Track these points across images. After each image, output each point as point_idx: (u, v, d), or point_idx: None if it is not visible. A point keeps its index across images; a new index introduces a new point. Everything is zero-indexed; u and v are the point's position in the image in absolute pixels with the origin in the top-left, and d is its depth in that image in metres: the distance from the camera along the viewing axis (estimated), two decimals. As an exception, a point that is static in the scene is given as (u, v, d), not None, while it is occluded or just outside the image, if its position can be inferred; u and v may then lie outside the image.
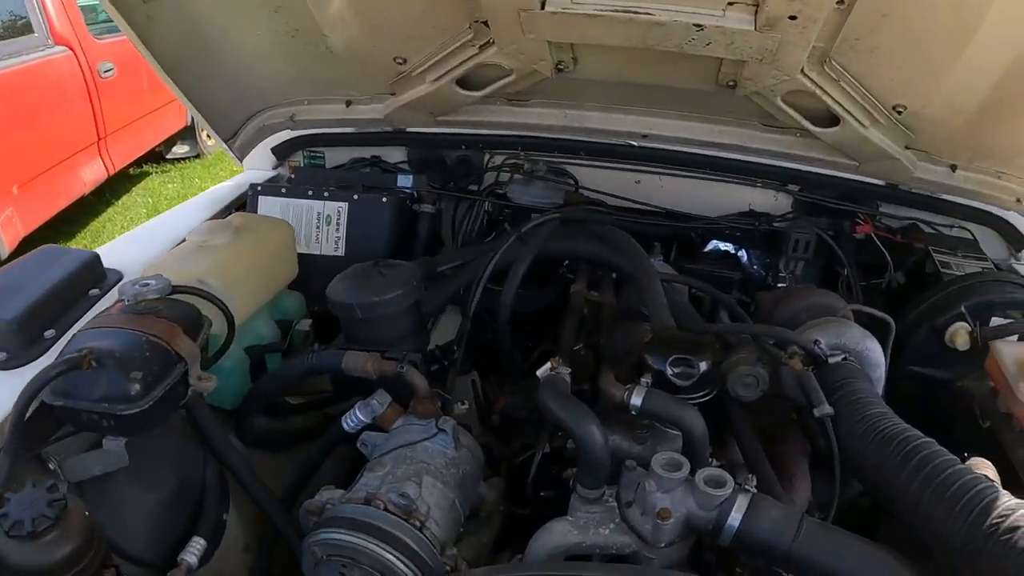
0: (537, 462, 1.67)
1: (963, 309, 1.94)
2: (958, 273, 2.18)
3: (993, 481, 1.30)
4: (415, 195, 2.44)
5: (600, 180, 2.53)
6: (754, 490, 1.37)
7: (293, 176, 2.54)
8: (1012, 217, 2.39)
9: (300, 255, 2.19)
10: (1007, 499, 1.24)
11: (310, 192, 2.37)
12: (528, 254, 2.01)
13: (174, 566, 1.50)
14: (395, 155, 2.66)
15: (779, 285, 2.51)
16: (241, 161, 2.64)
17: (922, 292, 2.17)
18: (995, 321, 1.91)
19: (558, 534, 1.38)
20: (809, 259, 2.45)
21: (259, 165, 2.68)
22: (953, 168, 2.27)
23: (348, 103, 2.48)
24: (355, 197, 2.36)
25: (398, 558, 1.35)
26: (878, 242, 2.42)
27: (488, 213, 2.61)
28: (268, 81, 2.37)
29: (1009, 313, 1.94)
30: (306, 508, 1.53)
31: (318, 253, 2.33)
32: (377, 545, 1.35)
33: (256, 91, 2.42)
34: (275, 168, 2.70)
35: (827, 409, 1.54)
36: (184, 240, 1.99)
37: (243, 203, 2.44)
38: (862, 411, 1.54)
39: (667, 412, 1.44)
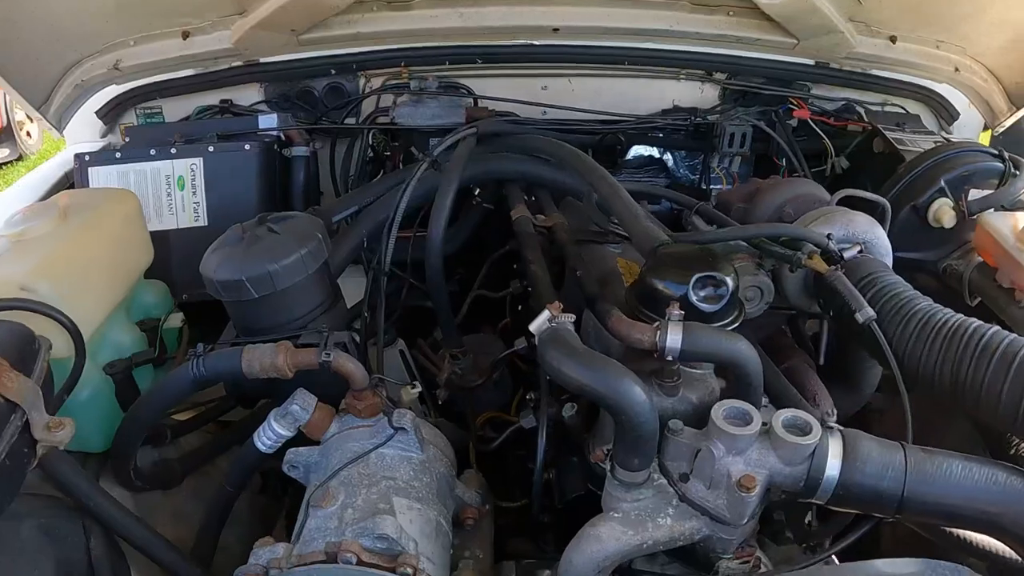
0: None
1: (943, 184, 1.73)
2: (915, 150, 1.98)
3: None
4: (282, 138, 1.98)
5: (502, 90, 2.13)
6: (839, 426, 1.05)
7: (128, 140, 1.99)
8: (944, 90, 2.27)
9: (153, 233, 1.69)
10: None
11: (153, 152, 1.86)
12: (451, 182, 1.57)
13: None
14: (250, 96, 2.15)
15: (713, 187, 2.27)
16: (61, 132, 2.05)
17: (873, 174, 2.00)
18: (973, 193, 1.71)
19: (610, 541, 1.00)
20: (745, 153, 2.19)
21: (84, 136, 2.12)
22: (893, 40, 2.11)
23: (185, 35, 1.98)
24: (210, 150, 1.87)
25: None
26: (815, 127, 2.20)
27: (374, 147, 2.13)
28: (79, 21, 1.83)
29: (985, 183, 1.74)
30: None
31: (174, 227, 1.83)
32: None
33: (66, 37, 1.87)
34: (104, 136, 2.15)
35: (870, 311, 1.26)
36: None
37: (71, 183, 1.91)
38: (909, 307, 1.28)
39: (717, 349, 1.07)
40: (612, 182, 1.51)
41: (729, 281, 1.18)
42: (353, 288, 1.65)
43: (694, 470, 1.04)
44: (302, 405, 1.22)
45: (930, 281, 1.81)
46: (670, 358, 1.07)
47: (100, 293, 1.44)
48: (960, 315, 1.25)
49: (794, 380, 1.47)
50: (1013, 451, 1.49)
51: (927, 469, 1.03)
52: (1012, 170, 1.73)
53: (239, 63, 2.05)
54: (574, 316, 1.08)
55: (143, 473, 1.41)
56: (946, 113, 2.29)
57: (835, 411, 1.49)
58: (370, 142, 2.12)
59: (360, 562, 0.98)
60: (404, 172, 1.78)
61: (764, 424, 1.02)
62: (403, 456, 1.18)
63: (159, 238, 1.75)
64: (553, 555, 1.32)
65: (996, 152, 1.76)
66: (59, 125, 2.01)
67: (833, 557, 1.15)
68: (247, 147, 1.88)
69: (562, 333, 1.05)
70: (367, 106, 2.13)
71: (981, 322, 1.21)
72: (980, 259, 1.71)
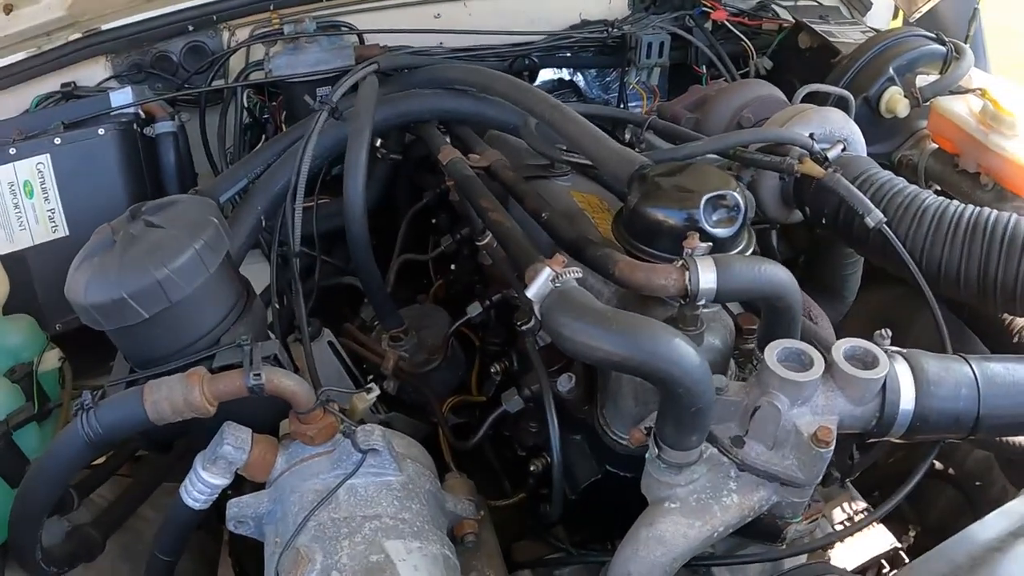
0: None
1: (892, 72, 1.63)
2: (847, 41, 1.86)
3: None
4: (141, 115, 1.63)
5: (390, 24, 1.83)
6: (899, 349, 0.89)
7: None
8: (858, -22, 2.18)
9: (4, 258, 1.42)
10: None
11: None
12: (362, 130, 1.28)
13: None
14: (96, 73, 1.78)
15: (634, 104, 2.09)
16: None
17: (800, 71, 1.86)
18: (920, 80, 1.61)
19: (676, 540, 0.80)
20: (664, 63, 2.00)
21: None
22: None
23: (7, 8, 1.67)
24: (56, 142, 1.51)
25: None
26: (733, 28, 2.04)
27: (250, 110, 1.80)
28: None
29: (929, 68, 1.66)
30: None
31: (30, 245, 1.49)
32: None
33: None
34: None
35: (879, 214, 1.11)
36: None
37: None
38: (917, 204, 1.16)
39: (758, 282, 0.87)
40: (556, 103, 1.28)
41: (740, 198, 0.98)
42: (253, 276, 1.36)
43: (750, 430, 0.85)
44: (235, 443, 0.94)
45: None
46: (701, 302, 0.86)
47: None
48: (972, 206, 1.14)
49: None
50: (1017, 339, 1.42)
51: (996, 380, 0.89)
52: (954, 53, 1.64)
53: (77, 35, 1.69)
54: (580, 270, 0.85)
55: (54, 555, 1.11)
56: (860, 4, 2.18)
57: (832, 329, 1.37)
58: (245, 104, 1.79)
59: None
60: (295, 130, 1.48)
61: (826, 358, 0.84)
62: (380, 483, 0.92)
63: (14, 261, 1.46)
64: (567, 550, 1.13)
65: (935, 36, 1.68)
66: None
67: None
68: (101, 131, 1.52)
69: (574, 294, 0.82)
70: (236, 63, 1.80)
71: (998, 211, 1.11)
72: (935, 146, 1.64)
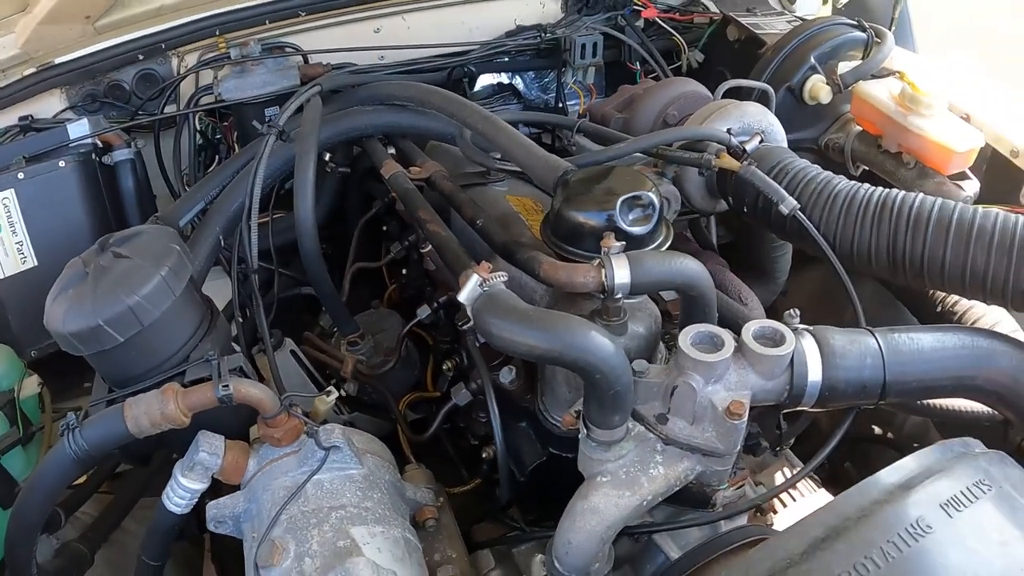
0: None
1: (813, 61, 1.72)
2: (772, 32, 1.95)
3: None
4: (99, 144, 1.68)
5: (332, 42, 1.91)
6: (805, 326, 0.99)
7: None
8: (784, -33, 2.27)
9: None
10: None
11: None
12: (308, 150, 1.36)
13: None
14: (52, 105, 1.84)
15: (572, 103, 2.18)
16: None
17: (731, 63, 1.97)
18: (842, 67, 1.71)
19: (609, 509, 0.89)
20: (599, 62, 2.09)
21: None
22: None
23: None
24: (20, 177, 1.58)
25: None
26: (664, 24, 2.14)
27: (202, 132, 1.86)
28: None
29: (851, 55, 1.75)
30: None
31: (1, 278, 1.55)
32: None
33: None
34: None
35: (793, 202, 1.21)
36: None
37: None
38: (829, 189, 1.25)
39: (669, 274, 0.97)
40: (487, 114, 1.37)
41: (655, 198, 1.08)
42: (214, 292, 1.43)
43: (671, 408, 0.94)
44: (209, 450, 1.02)
45: (812, 159, 1.83)
46: (619, 296, 0.96)
47: None
48: (880, 188, 1.23)
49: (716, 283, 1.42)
50: (940, 308, 1.52)
51: (901, 349, 1.00)
52: (874, 39, 1.74)
53: (32, 70, 1.74)
54: (506, 274, 0.94)
55: (47, 571, 1.18)
56: (789, -11, 2.26)
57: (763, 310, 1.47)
58: (197, 127, 1.85)
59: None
60: (247, 152, 1.55)
61: (735, 339, 0.94)
62: (344, 477, 1.01)
63: (-15, 295, 1.48)
64: (521, 528, 1.22)
65: (856, 23, 1.77)
66: None
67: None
68: (61, 164, 1.59)
69: (500, 296, 0.91)
70: (186, 88, 1.85)
71: (904, 191, 1.20)
72: (859, 129, 1.74)
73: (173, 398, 0.98)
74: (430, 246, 1.32)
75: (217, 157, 1.90)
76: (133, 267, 1.05)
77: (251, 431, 1.15)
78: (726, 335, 0.93)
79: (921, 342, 1.01)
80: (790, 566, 0.74)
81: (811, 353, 0.95)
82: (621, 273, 0.94)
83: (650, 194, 1.07)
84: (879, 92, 1.63)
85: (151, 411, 0.98)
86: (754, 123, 1.40)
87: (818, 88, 1.70)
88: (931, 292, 1.55)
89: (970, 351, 1.01)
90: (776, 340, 0.94)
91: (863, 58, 1.72)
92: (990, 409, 1.16)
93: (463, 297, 0.91)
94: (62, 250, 1.45)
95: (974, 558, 0.75)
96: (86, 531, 1.36)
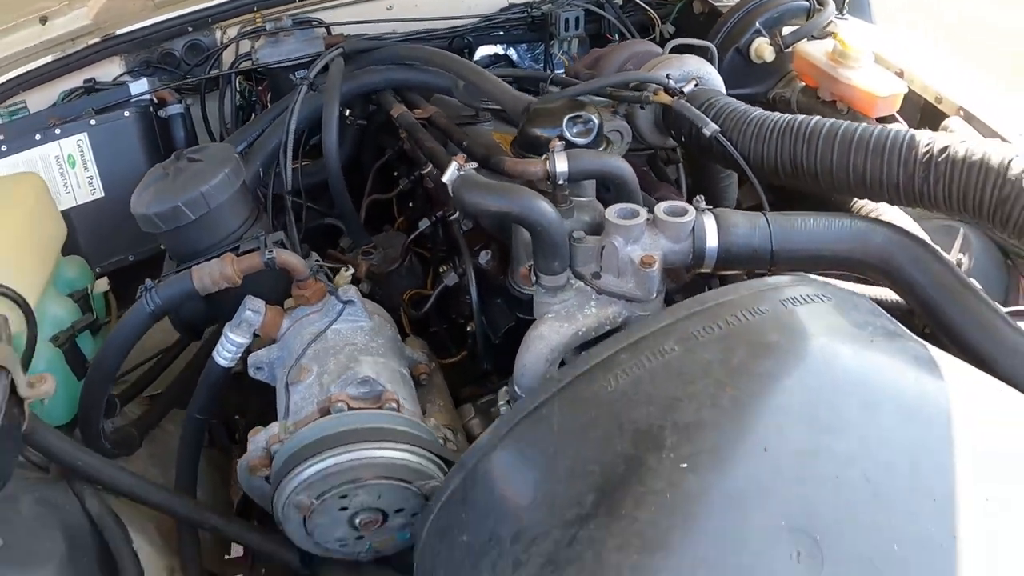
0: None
1: (758, 25, 2.03)
2: (731, 4, 2.24)
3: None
4: (155, 100, 2.02)
5: (351, 17, 2.24)
6: (708, 206, 1.29)
7: (2, 138, 1.96)
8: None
9: None
10: (925, 134, 1.28)
11: (38, 137, 1.87)
12: (333, 96, 1.69)
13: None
14: (112, 70, 2.17)
15: (559, 72, 2.47)
16: None
17: (698, 34, 2.19)
18: (786, 30, 2.00)
19: (552, 336, 1.20)
20: (581, 35, 2.40)
21: None
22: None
23: (43, 20, 2.00)
24: (92, 123, 1.91)
25: (404, 451, 1.08)
26: (639, 1, 2.44)
27: (242, 93, 2.20)
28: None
29: (794, 20, 2.04)
30: (246, 465, 1.19)
31: (74, 205, 1.87)
32: (377, 448, 1.07)
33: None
34: None
35: (714, 126, 1.50)
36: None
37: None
38: (745, 117, 1.53)
39: (597, 166, 1.29)
40: (474, 67, 1.69)
41: (594, 118, 1.39)
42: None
43: (603, 266, 1.25)
44: (254, 309, 1.35)
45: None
46: (561, 182, 1.27)
47: (32, 270, 1.49)
48: (788, 115, 1.51)
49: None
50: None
51: (786, 225, 1.27)
52: (816, 6, 2.03)
53: (96, 39, 2.06)
54: (476, 164, 1.26)
55: (110, 438, 1.48)
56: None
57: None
58: (237, 88, 2.18)
59: (350, 407, 1.14)
60: (281, 103, 1.88)
61: (649, 216, 1.24)
62: (356, 326, 1.33)
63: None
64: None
65: (802, -7, 2.06)
66: None
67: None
68: (126, 114, 1.92)
69: (471, 175, 1.23)
70: (227, 56, 2.19)
71: (803, 115, 1.47)
72: (802, 83, 2.03)
73: (230, 263, 1.31)
74: (428, 168, 1.64)
75: (253, 115, 2.23)
76: (204, 167, 1.38)
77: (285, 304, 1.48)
78: (642, 209, 1.24)
79: (806, 221, 1.28)
80: (646, 332, 0.94)
81: (710, 224, 1.24)
82: (561, 164, 1.25)
83: (591, 115, 1.39)
84: (815, 50, 1.92)
85: (213, 272, 1.31)
86: (692, 71, 1.69)
87: (763, 48, 2.00)
88: (834, 199, 1.80)
89: (848, 230, 1.27)
90: (681, 213, 1.24)
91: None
92: (899, 298, 1.35)
93: (446, 177, 1.23)
94: (124, 185, 1.81)
95: (798, 337, 0.99)
96: (135, 422, 1.66)
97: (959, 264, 1.67)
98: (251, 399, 1.86)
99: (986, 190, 1.16)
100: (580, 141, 1.36)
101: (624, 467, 0.75)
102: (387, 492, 1.09)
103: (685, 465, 0.73)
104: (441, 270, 1.66)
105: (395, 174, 2.08)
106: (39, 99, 2.11)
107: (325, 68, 1.83)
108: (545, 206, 1.17)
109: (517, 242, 1.35)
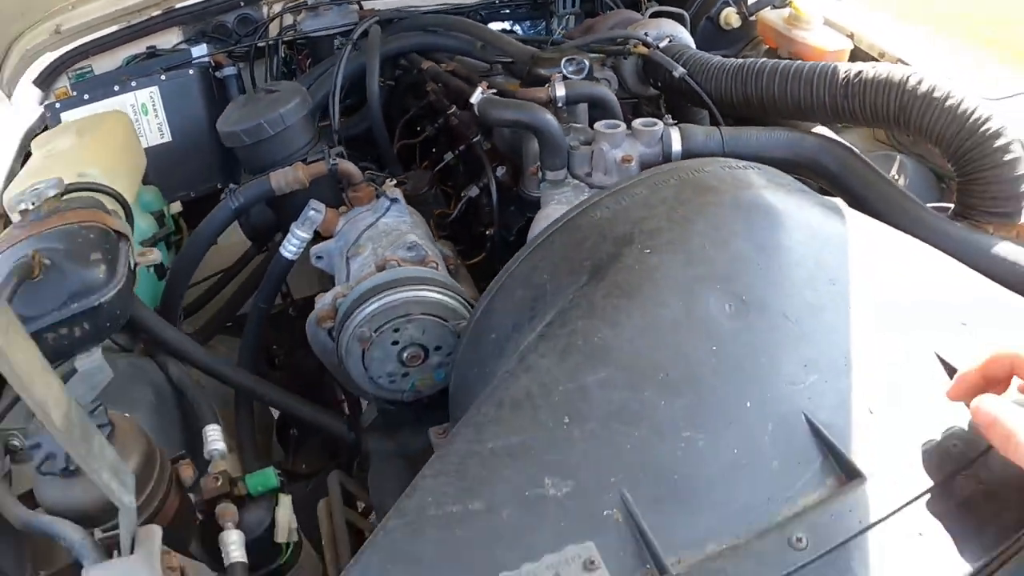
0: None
1: None
2: None
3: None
4: (212, 63, 2.37)
5: (377, -5, 2.60)
6: (675, 122, 1.64)
7: (75, 93, 2.29)
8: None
9: None
10: (844, 65, 1.62)
11: (116, 88, 2.21)
12: (374, 51, 2.06)
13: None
14: (171, 39, 2.51)
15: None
16: (11, 102, 2.33)
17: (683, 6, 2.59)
18: (751, 0, 2.37)
19: (554, 214, 1.54)
20: (578, 11, 2.77)
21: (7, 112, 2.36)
22: None
23: None
24: (162, 79, 2.25)
25: (443, 294, 1.42)
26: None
27: (286, 60, 2.56)
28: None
29: None
30: (315, 319, 1.52)
31: (146, 146, 2.19)
32: (422, 290, 1.39)
33: (10, 10, 2.16)
34: (42, 103, 2.38)
35: (682, 69, 1.86)
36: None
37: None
38: (707, 62, 1.88)
39: (587, 91, 1.65)
40: (489, 29, 2.06)
41: (586, 61, 1.75)
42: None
43: (593, 167, 1.61)
44: (316, 209, 1.69)
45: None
46: (560, 104, 1.63)
47: (126, 186, 1.80)
48: (738, 59, 1.86)
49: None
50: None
51: (736, 135, 1.62)
52: (776, -21, 2.40)
53: (158, 12, 2.41)
54: (496, 89, 1.62)
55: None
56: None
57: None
58: (282, 56, 2.54)
59: (400, 265, 1.49)
60: (324, 64, 2.25)
61: (628, 129, 1.60)
62: (400, 220, 1.68)
63: (137, 157, 2.14)
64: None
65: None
66: (9, 96, 2.30)
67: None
68: (190, 72, 2.27)
69: (493, 96, 1.59)
70: (273, 29, 2.54)
71: (752, 59, 1.83)
72: (765, 46, 2.38)
73: (301, 169, 1.66)
74: (453, 108, 2.01)
75: (293, 79, 2.59)
76: (279, 95, 1.76)
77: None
78: (622, 123, 1.60)
79: (751, 132, 1.63)
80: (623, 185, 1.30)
81: (675, 133, 1.59)
82: (560, 90, 1.62)
83: (583, 59, 1.75)
84: (775, 16, 2.28)
85: (287, 175, 1.66)
86: (665, 30, 2.05)
87: (730, 16, 2.36)
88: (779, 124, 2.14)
89: (785, 139, 1.62)
90: (652, 124, 1.60)
91: (769, -7, 2.37)
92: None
93: (473, 99, 1.60)
94: (187, 132, 2.21)
95: (732, 182, 1.31)
96: (196, 332, 2.01)
97: (896, 184, 2.03)
98: (284, 335, 2.23)
99: (890, 101, 1.51)
100: (574, 78, 1.72)
101: (607, 257, 1.10)
102: (429, 328, 1.43)
103: (648, 251, 1.08)
104: (462, 196, 2.02)
105: (418, 128, 2.44)
106: (104, 64, 2.44)
107: (364, 34, 2.19)
108: (549, 116, 1.53)
109: (527, 151, 1.71)
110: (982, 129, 1.39)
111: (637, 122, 1.59)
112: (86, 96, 2.21)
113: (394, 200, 1.67)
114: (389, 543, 0.81)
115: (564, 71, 1.72)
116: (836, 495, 0.80)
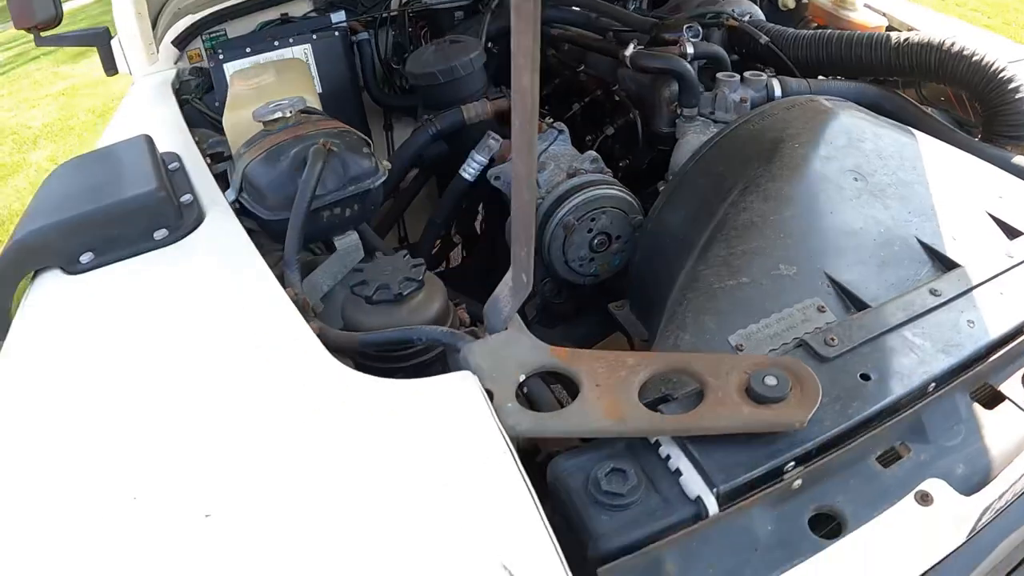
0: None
1: None
2: None
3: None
4: (347, 28, 2.77)
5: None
6: (775, 75, 2.19)
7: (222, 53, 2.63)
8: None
9: None
10: (894, 33, 2.20)
11: (276, 43, 2.58)
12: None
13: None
14: (301, 8, 2.88)
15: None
16: (158, 58, 2.65)
17: None
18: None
19: (693, 140, 2.08)
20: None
21: (147, 70, 2.61)
22: None
23: None
24: (314, 37, 2.64)
25: (626, 193, 1.92)
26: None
27: (408, 31, 3.01)
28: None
29: None
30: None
31: None
32: (611, 189, 1.91)
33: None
34: (177, 63, 2.72)
35: (766, 38, 2.41)
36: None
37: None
38: (785, 32, 2.42)
39: (706, 49, 2.19)
40: (606, 2, 2.57)
41: (699, 27, 2.29)
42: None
43: (716, 107, 2.14)
44: (495, 138, 2.19)
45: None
46: (689, 59, 2.16)
47: None
48: (811, 30, 2.42)
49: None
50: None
51: (819, 84, 2.15)
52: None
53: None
54: (643, 46, 2.15)
55: None
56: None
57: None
58: (408, 26, 3.00)
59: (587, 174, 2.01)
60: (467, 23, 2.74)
61: (742, 79, 2.14)
62: (564, 147, 2.17)
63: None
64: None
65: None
66: (156, 52, 2.62)
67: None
68: (336, 33, 2.66)
69: (643, 50, 2.11)
70: (394, 3, 2.95)
71: (822, 30, 2.38)
72: (815, 24, 2.90)
73: (489, 103, 2.17)
74: (582, 66, 2.53)
75: (412, 47, 3.01)
76: (465, 44, 2.24)
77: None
78: (736, 76, 2.13)
79: (831, 82, 2.18)
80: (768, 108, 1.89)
81: (776, 82, 2.12)
82: (689, 47, 2.14)
83: (695, 25, 2.28)
84: (824, 0, 2.85)
85: (477, 109, 2.15)
86: (745, 8, 2.59)
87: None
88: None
89: (855, 88, 2.10)
90: (761, 76, 2.14)
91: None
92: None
93: (628, 51, 2.12)
94: (333, 86, 2.60)
95: (838, 107, 1.90)
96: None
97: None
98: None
99: (931, 59, 2.07)
100: (694, 40, 2.26)
101: (768, 150, 1.63)
102: (616, 219, 1.94)
103: (797, 145, 1.62)
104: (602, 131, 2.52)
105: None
106: (237, 28, 2.76)
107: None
108: (688, 67, 2.06)
109: (661, 96, 2.22)
110: (1000, 76, 1.95)
111: (748, 73, 2.13)
112: (248, 49, 2.55)
113: (561, 131, 2.18)
114: (696, 305, 1.34)
115: (686, 35, 2.25)
116: (947, 275, 1.35)
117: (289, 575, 0.80)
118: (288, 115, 1.68)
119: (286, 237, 1.44)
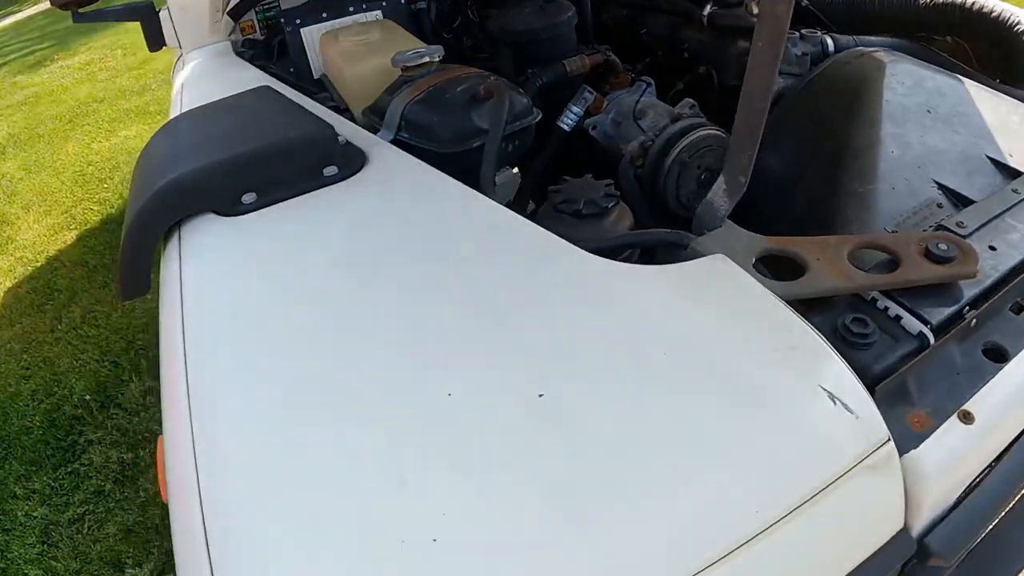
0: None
1: None
2: None
3: None
4: None
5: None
6: (825, 33, 2.54)
7: (249, 38, 2.79)
8: None
9: None
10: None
11: (351, 8, 2.75)
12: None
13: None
14: None
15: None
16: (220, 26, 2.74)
17: None
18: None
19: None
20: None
21: (202, 41, 2.68)
22: None
23: None
24: (384, 3, 2.83)
25: (724, 132, 2.23)
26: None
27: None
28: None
29: None
30: (631, 158, 2.28)
31: None
32: (715, 129, 2.18)
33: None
34: (230, 35, 2.73)
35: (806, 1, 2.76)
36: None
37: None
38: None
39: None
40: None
41: None
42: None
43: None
44: (589, 91, 2.48)
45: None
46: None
47: None
48: None
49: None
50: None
51: (863, 39, 2.55)
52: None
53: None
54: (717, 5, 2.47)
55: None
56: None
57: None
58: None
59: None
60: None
61: (800, 36, 2.49)
62: (653, 98, 2.50)
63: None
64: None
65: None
66: (219, 22, 2.72)
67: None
68: (402, 1, 2.89)
69: (720, 10, 2.44)
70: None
71: None
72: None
73: (587, 58, 2.46)
74: (644, 28, 2.84)
75: (459, 19, 3.26)
76: (560, 5, 2.51)
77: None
78: (796, 32, 2.48)
79: (870, 39, 2.57)
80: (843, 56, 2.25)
81: (828, 39, 2.48)
82: (755, 7, 2.47)
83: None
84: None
85: (576, 63, 2.42)
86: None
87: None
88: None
89: (891, 42, 2.54)
90: (814, 33, 2.48)
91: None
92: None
93: (705, 11, 2.43)
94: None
95: (898, 59, 2.27)
96: None
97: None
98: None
99: (956, 15, 2.46)
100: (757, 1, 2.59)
101: (856, 91, 1.99)
102: (719, 157, 2.25)
103: (878, 86, 1.98)
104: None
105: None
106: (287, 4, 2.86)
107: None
108: (761, 22, 2.39)
109: (732, 52, 2.56)
110: (1015, 29, 2.36)
111: (804, 31, 2.48)
112: (324, 15, 2.71)
113: (649, 83, 2.49)
114: (842, 215, 1.68)
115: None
116: (1019, 179, 1.72)
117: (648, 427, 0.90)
118: (436, 59, 1.92)
119: (482, 164, 1.60)
